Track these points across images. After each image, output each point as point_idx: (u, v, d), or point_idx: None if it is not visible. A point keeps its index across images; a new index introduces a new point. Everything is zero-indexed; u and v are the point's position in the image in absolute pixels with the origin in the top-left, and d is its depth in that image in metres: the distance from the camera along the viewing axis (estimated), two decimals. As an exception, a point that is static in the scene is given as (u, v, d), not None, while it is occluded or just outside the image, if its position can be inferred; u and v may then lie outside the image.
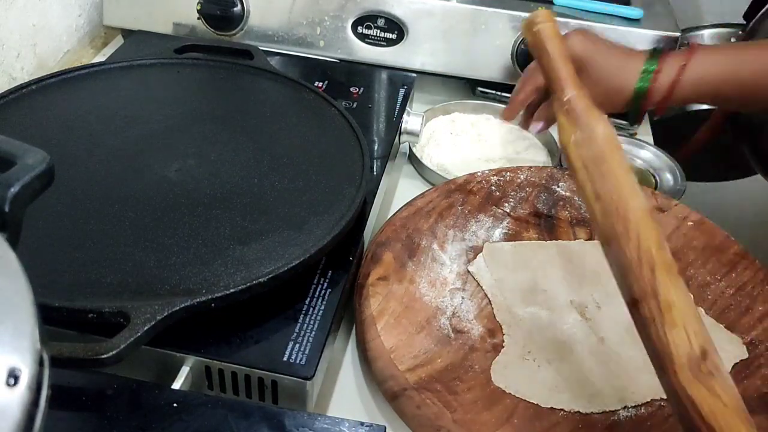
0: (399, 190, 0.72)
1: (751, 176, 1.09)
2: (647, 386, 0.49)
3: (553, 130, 0.78)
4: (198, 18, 0.83)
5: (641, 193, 0.41)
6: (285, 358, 0.46)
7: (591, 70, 0.59)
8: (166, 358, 0.46)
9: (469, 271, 0.58)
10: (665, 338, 0.36)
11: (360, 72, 0.78)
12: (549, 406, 0.48)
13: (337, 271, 0.53)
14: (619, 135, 0.79)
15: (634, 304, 0.39)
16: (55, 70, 0.67)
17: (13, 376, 0.23)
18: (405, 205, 0.64)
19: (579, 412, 0.48)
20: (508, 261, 0.59)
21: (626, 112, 0.65)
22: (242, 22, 0.82)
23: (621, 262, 0.40)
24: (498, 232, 0.62)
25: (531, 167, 0.69)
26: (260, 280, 0.46)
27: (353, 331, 0.56)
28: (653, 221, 0.40)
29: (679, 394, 0.36)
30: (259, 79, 0.70)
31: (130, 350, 0.40)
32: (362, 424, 0.42)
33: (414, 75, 0.77)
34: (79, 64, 0.79)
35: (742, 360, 0.52)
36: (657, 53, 0.62)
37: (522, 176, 0.68)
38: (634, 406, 0.49)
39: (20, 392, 0.22)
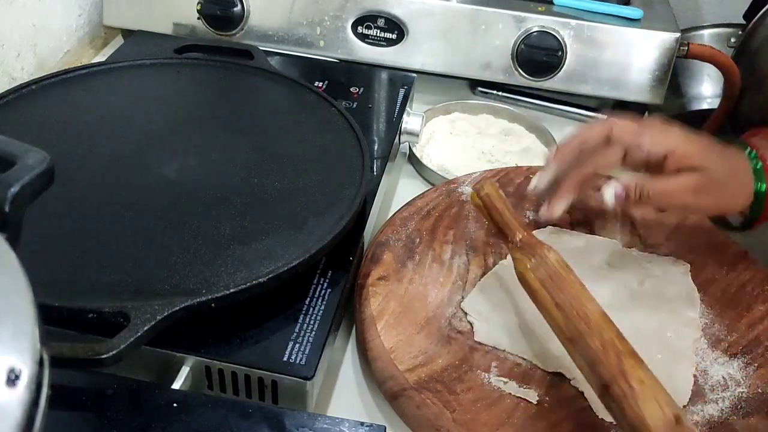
0: (399, 190, 0.72)
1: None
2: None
3: (553, 130, 0.79)
4: (198, 18, 0.83)
5: (595, 299, 0.47)
6: (285, 358, 0.46)
7: (707, 179, 0.55)
8: (166, 358, 0.46)
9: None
10: (640, 411, 0.39)
11: (360, 72, 0.78)
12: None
13: (337, 271, 0.53)
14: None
15: (605, 389, 0.42)
16: (55, 70, 0.67)
17: (13, 376, 0.23)
18: (405, 205, 0.64)
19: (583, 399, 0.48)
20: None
21: (724, 222, 0.64)
22: (242, 22, 0.82)
23: (588, 354, 0.44)
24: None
25: (531, 167, 0.69)
26: (260, 280, 0.46)
27: (353, 331, 0.56)
28: (610, 321, 0.45)
29: None
30: (259, 79, 0.70)
31: (130, 350, 0.40)
32: (362, 424, 0.42)
33: (414, 75, 0.77)
34: (79, 64, 0.79)
35: (741, 359, 0.52)
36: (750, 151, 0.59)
37: (522, 176, 0.68)
38: None
39: (20, 392, 0.22)
